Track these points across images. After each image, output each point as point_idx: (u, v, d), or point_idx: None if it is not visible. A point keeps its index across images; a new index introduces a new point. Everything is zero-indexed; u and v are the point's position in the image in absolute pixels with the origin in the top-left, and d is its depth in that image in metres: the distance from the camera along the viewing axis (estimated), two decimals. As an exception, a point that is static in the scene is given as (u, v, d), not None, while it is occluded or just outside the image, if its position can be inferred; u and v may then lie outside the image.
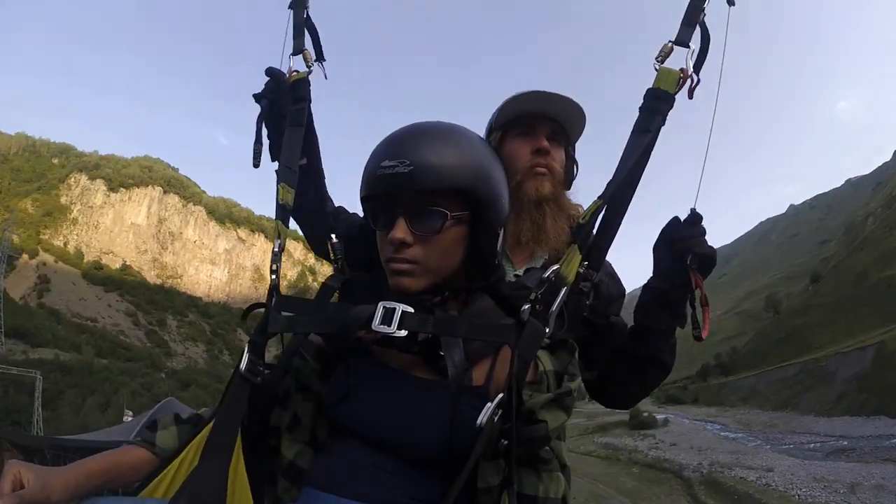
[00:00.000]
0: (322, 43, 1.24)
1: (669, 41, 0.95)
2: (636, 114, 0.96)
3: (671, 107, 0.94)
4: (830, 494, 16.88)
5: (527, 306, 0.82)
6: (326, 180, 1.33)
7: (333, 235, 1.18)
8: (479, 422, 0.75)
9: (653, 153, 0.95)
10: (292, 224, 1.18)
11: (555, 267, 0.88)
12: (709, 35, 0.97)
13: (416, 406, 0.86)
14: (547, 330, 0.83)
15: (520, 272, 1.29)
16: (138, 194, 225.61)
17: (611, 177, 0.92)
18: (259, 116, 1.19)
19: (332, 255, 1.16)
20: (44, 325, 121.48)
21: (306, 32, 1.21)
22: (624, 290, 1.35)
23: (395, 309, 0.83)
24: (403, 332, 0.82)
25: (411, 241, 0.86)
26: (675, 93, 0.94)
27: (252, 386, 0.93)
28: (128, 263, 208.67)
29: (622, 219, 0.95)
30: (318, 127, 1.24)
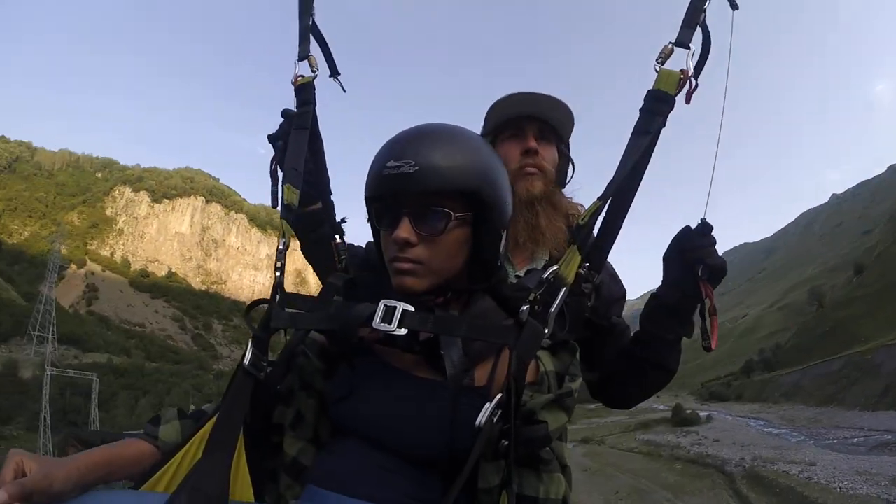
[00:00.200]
0: (330, 47, 1.27)
1: (670, 42, 0.95)
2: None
3: (671, 108, 0.94)
4: (872, 487, 16.89)
5: (525, 307, 0.82)
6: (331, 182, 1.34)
7: (337, 236, 1.22)
8: (477, 422, 0.75)
9: (664, 155, 0.96)
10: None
11: (554, 268, 0.88)
12: (710, 37, 0.97)
13: (417, 406, 0.87)
14: (546, 331, 0.82)
15: (521, 273, 1.30)
16: (181, 204, 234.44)
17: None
18: (273, 159, 1.19)
19: (336, 255, 1.19)
20: (94, 331, 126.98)
21: (313, 39, 1.24)
22: (625, 291, 1.38)
23: (395, 307, 0.83)
24: (403, 331, 0.82)
25: (415, 240, 0.86)
26: (676, 94, 0.94)
27: (255, 381, 0.93)
28: (173, 271, 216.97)
29: (623, 220, 0.95)
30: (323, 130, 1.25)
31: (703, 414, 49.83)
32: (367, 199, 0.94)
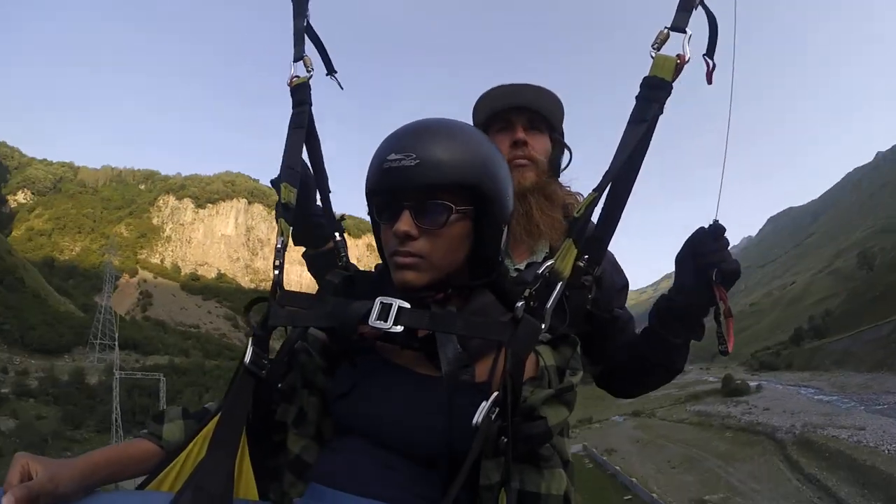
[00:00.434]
0: (325, 45, 1.26)
1: (665, 27, 0.92)
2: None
3: (668, 95, 0.91)
4: (921, 449, 17.08)
5: (521, 303, 0.81)
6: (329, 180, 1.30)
7: (337, 234, 1.24)
8: (474, 421, 0.73)
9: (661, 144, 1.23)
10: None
11: (549, 262, 0.87)
12: (714, 17, 0.94)
13: (417, 403, 0.85)
14: (543, 326, 0.81)
15: (521, 266, 1.29)
16: (225, 208, 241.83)
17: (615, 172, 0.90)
18: (278, 203, 1.11)
19: (336, 253, 1.22)
20: (152, 335, 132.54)
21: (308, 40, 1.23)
22: (627, 281, 1.36)
23: (391, 304, 0.82)
24: (399, 328, 0.81)
25: (416, 234, 0.85)
26: (673, 80, 0.91)
27: (257, 380, 0.92)
28: (222, 272, 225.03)
29: (622, 211, 0.94)
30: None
31: (753, 384, 49.97)
32: (367, 192, 0.92)
